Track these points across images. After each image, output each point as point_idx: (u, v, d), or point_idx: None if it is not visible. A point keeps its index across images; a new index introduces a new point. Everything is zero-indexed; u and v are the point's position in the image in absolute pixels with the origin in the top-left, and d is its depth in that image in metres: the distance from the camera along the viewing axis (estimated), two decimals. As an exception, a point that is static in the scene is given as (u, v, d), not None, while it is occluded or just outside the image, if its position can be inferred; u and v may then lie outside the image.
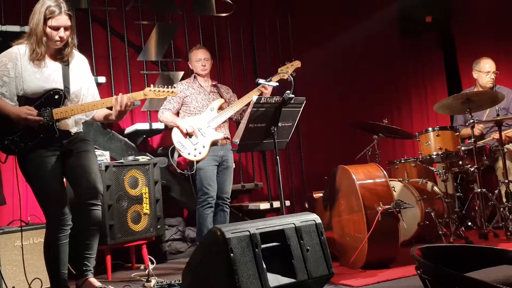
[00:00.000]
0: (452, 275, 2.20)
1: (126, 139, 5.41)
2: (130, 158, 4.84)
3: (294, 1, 6.86)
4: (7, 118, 3.20)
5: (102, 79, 5.28)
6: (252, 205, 5.98)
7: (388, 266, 3.93)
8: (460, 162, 5.08)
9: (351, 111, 6.92)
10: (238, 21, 6.48)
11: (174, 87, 4.51)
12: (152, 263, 4.68)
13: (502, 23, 6.48)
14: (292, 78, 3.96)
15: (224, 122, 4.71)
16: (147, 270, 3.90)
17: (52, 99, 3.29)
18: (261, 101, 3.56)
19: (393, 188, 4.24)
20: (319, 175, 5.08)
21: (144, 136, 5.73)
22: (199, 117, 4.63)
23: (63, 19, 3.27)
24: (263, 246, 2.82)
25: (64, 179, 3.50)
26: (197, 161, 4.53)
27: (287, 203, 6.12)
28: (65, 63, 3.41)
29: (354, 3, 7.08)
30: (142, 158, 4.87)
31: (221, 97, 4.81)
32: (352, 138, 6.66)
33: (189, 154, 4.52)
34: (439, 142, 4.91)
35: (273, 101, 3.60)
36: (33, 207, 5.05)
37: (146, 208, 4.74)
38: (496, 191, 4.98)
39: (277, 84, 4.31)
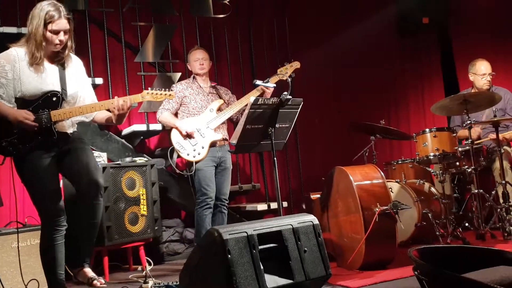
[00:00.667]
0: (450, 276, 2.20)
1: (123, 140, 5.40)
2: (128, 159, 4.84)
3: (291, 2, 6.86)
4: (5, 120, 3.21)
5: (99, 81, 5.28)
6: (249, 206, 5.97)
7: (385, 267, 3.93)
8: (457, 163, 5.09)
9: (348, 112, 6.93)
10: (235, 23, 6.48)
11: (172, 89, 4.56)
12: (150, 264, 4.67)
13: (499, 24, 6.50)
14: (290, 79, 3.97)
15: (222, 123, 4.71)
16: (144, 272, 3.89)
17: (49, 101, 3.31)
18: (258, 102, 3.56)
19: (390, 189, 4.24)
20: (317, 176, 5.08)
21: (142, 137, 5.73)
22: (198, 118, 4.63)
23: (63, 23, 3.31)
24: (260, 247, 2.83)
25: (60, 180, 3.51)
26: (196, 162, 4.53)
27: (285, 204, 6.13)
28: (62, 65, 3.44)
29: (351, 4, 7.08)
30: (140, 160, 4.87)
31: (220, 98, 4.81)
32: (349, 139, 6.66)
33: (188, 155, 4.52)
34: (436, 143, 4.92)
35: (271, 102, 3.60)
36: (29, 209, 5.04)
37: (143, 209, 4.74)
38: (493, 192, 4.98)
39: (275, 85, 4.31)
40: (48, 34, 3.28)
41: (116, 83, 5.77)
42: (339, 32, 6.91)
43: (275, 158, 3.69)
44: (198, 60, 4.81)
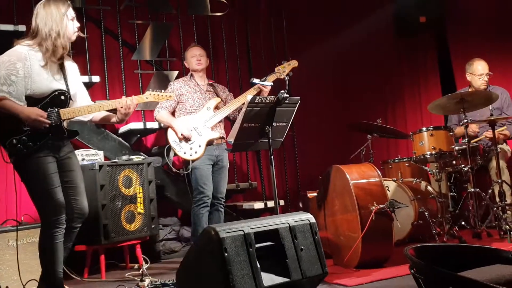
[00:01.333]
0: (446, 275, 2.20)
1: (120, 138, 5.40)
2: (124, 157, 4.84)
3: (288, 1, 6.86)
4: (15, 118, 3.21)
5: (96, 79, 5.27)
6: (246, 205, 5.98)
7: (382, 265, 3.94)
8: (454, 162, 5.09)
9: (345, 111, 6.94)
10: (232, 21, 6.48)
11: (169, 87, 4.57)
12: (146, 262, 4.67)
13: (496, 23, 6.49)
14: (288, 78, 3.97)
15: (219, 121, 4.71)
16: (141, 270, 3.90)
17: (57, 99, 3.35)
18: (255, 101, 3.55)
19: (387, 188, 4.25)
20: (314, 174, 5.08)
21: (138, 135, 5.72)
22: (195, 116, 4.62)
23: (76, 24, 3.47)
24: (257, 245, 2.83)
25: None
26: (193, 161, 4.53)
27: (281, 202, 6.12)
28: (63, 66, 3.48)
29: (349, 3, 7.09)
30: (136, 158, 4.87)
31: (218, 96, 4.81)
32: (347, 137, 6.66)
33: (185, 153, 4.51)
34: (433, 141, 4.93)
35: (268, 101, 3.60)
36: (26, 207, 5.04)
37: (140, 207, 4.73)
38: (490, 191, 4.99)
39: (272, 83, 4.31)
40: (70, 23, 3.40)
41: (113, 81, 5.76)
42: (336, 31, 6.91)
43: (272, 157, 3.69)
44: (195, 56, 4.80)
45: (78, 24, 3.44)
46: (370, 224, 3.80)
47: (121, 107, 3.47)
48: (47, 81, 3.33)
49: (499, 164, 4.83)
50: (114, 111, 3.60)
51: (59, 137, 3.36)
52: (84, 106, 3.45)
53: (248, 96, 3.70)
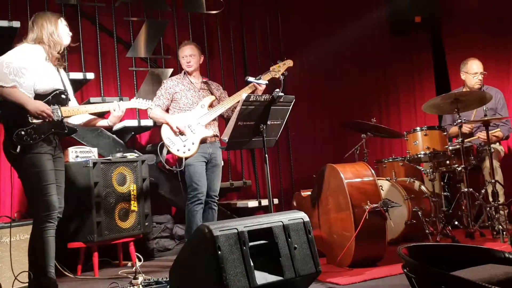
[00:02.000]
0: (438, 274, 2.21)
1: (114, 135, 5.38)
2: (118, 155, 4.83)
3: (283, 0, 6.87)
4: (23, 109, 3.37)
5: (90, 75, 5.25)
6: (240, 203, 5.98)
7: (375, 264, 3.95)
8: (448, 162, 5.11)
9: (340, 110, 6.95)
10: (228, 19, 6.48)
11: (164, 83, 4.58)
12: (140, 260, 4.66)
13: (490, 23, 6.50)
14: (283, 78, 3.97)
15: (213, 119, 4.70)
16: (134, 267, 3.88)
17: (59, 98, 3.57)
18: (250, 99, 3.55)
19: (380, 187, 4.25)
20: (308, 173, 5.09)
21: (133, 133, 5.71)
22: (189, 114, 4.61)
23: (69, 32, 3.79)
24: (250, 244, 2.83)
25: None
26: (186, 158, 4.52)
27: (275, 201, 6.14)
28: (57, 69, 3.70)
29: (344, 3, 7.10)
30: (130, 155, 4.86)
31: (212, 94, 4.80)
32: (341, 136, 6.68)
33: (178, 150, 4.50)
34: (427, 141, 4.94)
35: (263, 99, 3.60)
36: (18, 204, 5.04)
37: (134, 205, 4.72)
38: (483, 191, 5.00)
39: (267, 82, 4.31)
40: (63, 26, 3.70)
41: (108, 78, 5.75)
42: (331, 30, 6.92)
43: (266, 155, 3.69)
44: (185, 57, 4.79)
45: (71, 33, 3.74)
46: (363, 223, 3.81)
47: (114, 110, 3.75)
48: (50, 80, 3.55)
49: (493, 164, 4.84)
50: (97, 114, 3.90)
51: (60, 133, 3.55)
52: (81, 106, 3.73)
53: (243, 94, 3.70)
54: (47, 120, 3.43)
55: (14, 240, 4.07)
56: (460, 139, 4.76)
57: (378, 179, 4.24)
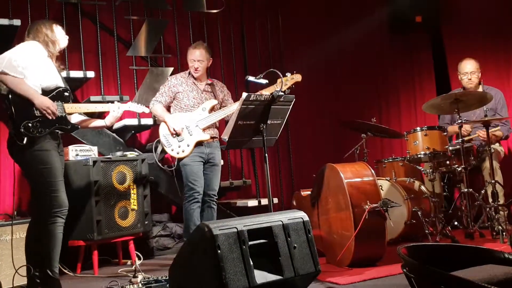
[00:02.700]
0: (438, 274, 2.21)
1: (114, 134, 5.38)
2: (118, 153, 4.83)
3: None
4: (30, 103, 3.42)
5: (91, 74, 5.25)
6: (240, 202, 5.98)
7: (374, 264, 3.95)
8: (448, 162, 5.10)
9: (340, 110, 6.94)
10: (228, 18, 6.47)
11: (168, 80, 4.60)
12: (139, 259, 4.66)
13: (491, 23, 6.50)
14: (288, 92, 3.98)
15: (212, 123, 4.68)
16: (134, 266, 3.88)
17: (62, 95, 3.63)
18: (250, 98, 3.56)
19: (380, 187, 4.25)
20: (308, 173, 5.09)
21: (133, 131, 5.71)
22: (189, 115, 4.61)
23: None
24: (250, 243, 2.83)
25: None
26: (179, 159, 4.53)
27: (275, 200, 6.14)
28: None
29: (344, 2, 7.09)
30: (130, 154, 4.86)
31: (215, 97, 4.77)
32: (341, 136, 6.67)
33: (172, 150, 4.51)
34: (427, 141, 4.93)
35: (263, 99, 3.60)
36: (18, 202, 5.04)
37: (133, 204, 4.73)
38: (483, 191, 5.01)
39: (267, 81, 4.30)
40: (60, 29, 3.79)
41: (108, 76, 5.75)
42: (331, 30, 6.92)
43: (266, 154, 3.69)
44: (194, 61, 4.70)
45: (67, 37, 3.82)
46: (363, 223, 3.81)
47: (113, 110, 3.87)
48: (54, 77, 3.61)
49: (493, 164, 4.84)
50: (96, 114, 4.02)
51: (63, 128, 3.60)
52: (83, 104, 3.80)
53: (243, 93, 3.70)
54: (50, 117, 3.47)
55: (14, 238, 4.06)
56: (460, 140, 4.75)
57: (378, 179, 4.24)
